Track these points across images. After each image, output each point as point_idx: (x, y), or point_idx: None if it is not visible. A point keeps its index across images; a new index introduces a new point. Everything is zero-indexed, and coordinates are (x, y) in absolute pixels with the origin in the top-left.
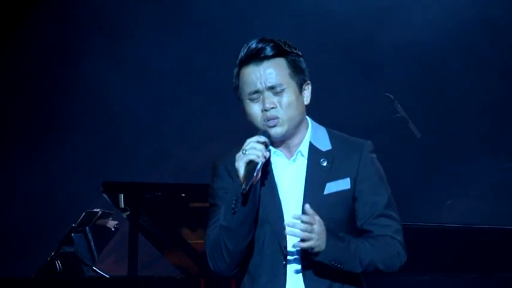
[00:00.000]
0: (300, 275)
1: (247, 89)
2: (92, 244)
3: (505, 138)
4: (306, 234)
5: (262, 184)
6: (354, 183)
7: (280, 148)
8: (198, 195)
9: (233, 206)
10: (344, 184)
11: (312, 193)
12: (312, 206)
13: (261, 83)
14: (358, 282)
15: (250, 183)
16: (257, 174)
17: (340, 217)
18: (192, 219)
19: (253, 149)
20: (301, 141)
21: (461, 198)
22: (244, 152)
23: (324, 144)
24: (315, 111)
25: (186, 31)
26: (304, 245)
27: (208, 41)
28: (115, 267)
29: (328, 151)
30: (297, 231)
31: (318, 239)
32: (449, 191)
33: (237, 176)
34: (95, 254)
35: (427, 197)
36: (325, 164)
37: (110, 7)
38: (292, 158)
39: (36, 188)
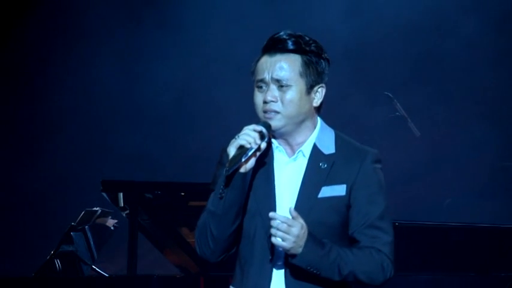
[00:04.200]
0: (283, 273)
1: (257, 76)
2: (91, 243)
3: (505, 137)
4: (280, 234)
5: (259, 175)
6: (349, 190)
7: (282, 144)
8: (197, 194)
9: (220, 190)
10: (340, 190)
11: (306, 194)
12: (303, 208)
13: (268, 74)
14: (343, 286)
15: (235, 167)
16: (247, 161)
17: (332, 222)
18: (192, 218)
19: (246, 135)
20: (304, 141)
21: (461, 198)
22: (237, 137)
23: (328, 147)
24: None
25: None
26: (275, 241)
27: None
28: (114, 266)
29: (330, 155)
30: (273, 229)
31: (294, 242)
32: (449, 190)
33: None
34: (94, 253)
35: (427, 197)
36: (324, 167)
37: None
38: (293, 156)
39: (36, 187)
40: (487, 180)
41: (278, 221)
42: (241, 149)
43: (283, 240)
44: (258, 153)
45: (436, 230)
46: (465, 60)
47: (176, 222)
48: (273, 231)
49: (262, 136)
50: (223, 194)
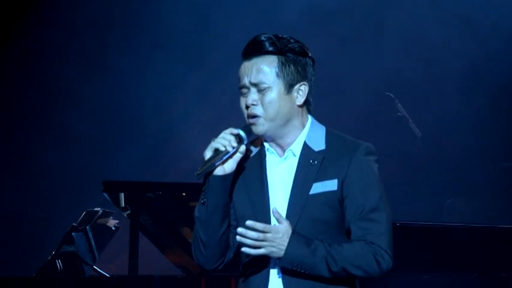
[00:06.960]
0: (281, 276)
1: (239, 82)
2: (93, 243)
3: (505, 138)
4: (254, 243)
5: (253, 180)
6: (341, 185)
7: (273, 146)
8: (198, 195)
9: (203, 196)
10: (331, 185)
11: (298, 192)
12: (296, 206)
13: (247, 78)
14: (350, 285)
15: (208, 171)
16: (224, 163)
17: (326, 218)
18: (193, 219)
19: (221, 138)
20: (293, 140)
21: (461, 198)
22: (213, 140)
23: (318, 144)
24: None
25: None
26: (252, 251)
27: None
28: (115, 266)
29: (320, 151)
30: (248, 240)
31: (272, 246)
32: (449, 190)
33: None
34: (96, 253)
35: (427, 197)
36: (314, 163)
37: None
38: (284, 156)
39: (37, 187)
40: (487, 180)
41: (251, 233)
42: (216, 153)
43: (259, 248)
44: (236, 157)
45: (436, 230)
46: (465, 60)
47: (177, 223)
48: (245, 241)
49: (240, 139)
50: (204, 199)
